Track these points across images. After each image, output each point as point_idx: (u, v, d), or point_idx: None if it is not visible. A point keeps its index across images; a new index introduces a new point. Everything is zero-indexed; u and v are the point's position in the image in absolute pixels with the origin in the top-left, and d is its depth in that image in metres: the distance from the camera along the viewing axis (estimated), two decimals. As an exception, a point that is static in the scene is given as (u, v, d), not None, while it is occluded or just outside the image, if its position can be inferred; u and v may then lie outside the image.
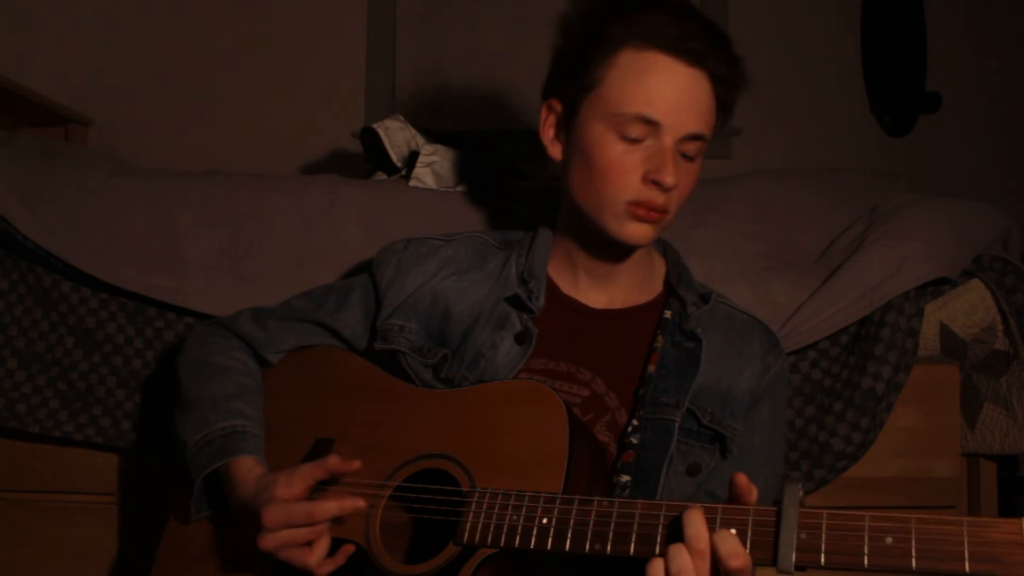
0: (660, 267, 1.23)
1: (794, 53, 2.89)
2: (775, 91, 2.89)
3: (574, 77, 1.09)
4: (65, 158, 1.60)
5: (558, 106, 1.13)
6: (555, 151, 1.16)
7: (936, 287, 1.40)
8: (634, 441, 1.07)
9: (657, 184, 1.05)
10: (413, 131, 1.75)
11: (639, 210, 1.07)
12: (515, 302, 1.15)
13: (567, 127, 1.12)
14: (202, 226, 1.50)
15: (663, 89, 1.04)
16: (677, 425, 1.08)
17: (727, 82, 1.09)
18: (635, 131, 1.05)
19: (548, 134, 1.16)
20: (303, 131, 2.81)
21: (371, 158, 1.79)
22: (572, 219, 1.16)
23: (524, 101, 2.60)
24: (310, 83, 2.86)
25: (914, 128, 2.82)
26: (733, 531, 0.82)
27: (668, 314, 1.17)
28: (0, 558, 1.49)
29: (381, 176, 1.77)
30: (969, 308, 1.41)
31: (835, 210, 1.55)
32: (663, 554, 0.83)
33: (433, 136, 1.77)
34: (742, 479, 0.85)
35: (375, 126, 1.74)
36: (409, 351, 1.16)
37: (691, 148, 1.08)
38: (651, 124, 1.04)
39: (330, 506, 0.98)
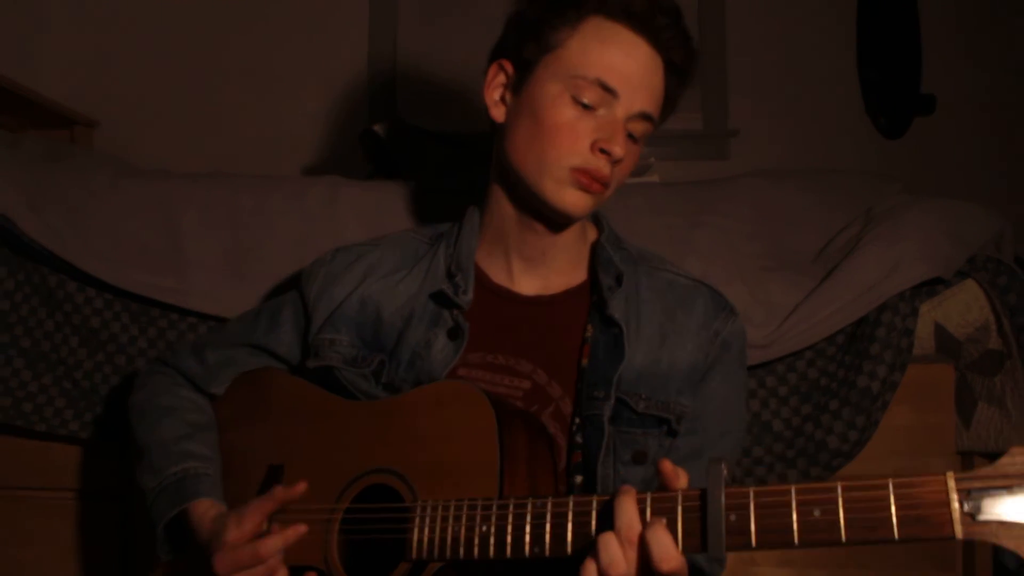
0: (589, 242, 1.19)
1: (790, 56, 2.90)
2: (772, 93, 2.91)
3: (535, 38, 1.07)
4: (70, 160, 1.62)
5: (509, 67, 1.11)
6: (497, 112, 1.12)
7: (931, 287, 1.41)
8: (579, 440, 1.05)
9: (606, 154, 1.04)
10: (415, 132, 1.76)
11: (583, 177, 1.04)
12: (440, 298, 1.12)
13: (516, 89, 1.09)
14: (205, 227, 1.51)
15: (624, 62, 1.04)
16: (606, 419, 1.05)
17: (680, 74, 1.09)
18: (591, 96, 1.03)
19: (493, 95, 1.12)
20: (305, 132, 2.82)
21: (372, 159, 1.80)
22: (505, 189, 1.12)
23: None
24: (312, 84, 2.86)
25: (909, 130, 2.83)
26: (664, 523, 0.79)
27: (595, 297, 1.13)
28: (6, 555, 1.50)
29: (382, 177, 1.78)
30: (963, 308, 1.42)
31: (831, 211, 1.56)
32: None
33: (433, 136, 1.78)
34: (666, 465, 0.83)
35: (376, 127, 1.75)
36: (342, 365, 1.12)
37: (638, 128, 1.07)
38: (608, 92, 1.03)
39: (275, 541, 0.97)
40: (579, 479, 1.04)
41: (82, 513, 1.50)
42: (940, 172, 2.73)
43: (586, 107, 1.04)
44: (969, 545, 1.42)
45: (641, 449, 1.08)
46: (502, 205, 1.13)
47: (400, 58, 2.93)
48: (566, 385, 1.09)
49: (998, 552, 1.59)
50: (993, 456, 1.43)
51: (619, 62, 1.04)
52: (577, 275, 1.16)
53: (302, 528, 0.99)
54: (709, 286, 1.17)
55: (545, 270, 1.15)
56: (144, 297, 1.48)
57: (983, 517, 0.69)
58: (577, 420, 1.06)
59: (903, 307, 1.38)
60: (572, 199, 1.06)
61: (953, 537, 0.70)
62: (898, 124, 2.81)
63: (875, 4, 2.86)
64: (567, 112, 1.04)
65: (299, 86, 2.86)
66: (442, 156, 1.67)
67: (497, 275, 1.15)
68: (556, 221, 1.11)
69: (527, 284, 1.15)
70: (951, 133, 2.80)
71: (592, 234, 1.19)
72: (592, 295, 1.13)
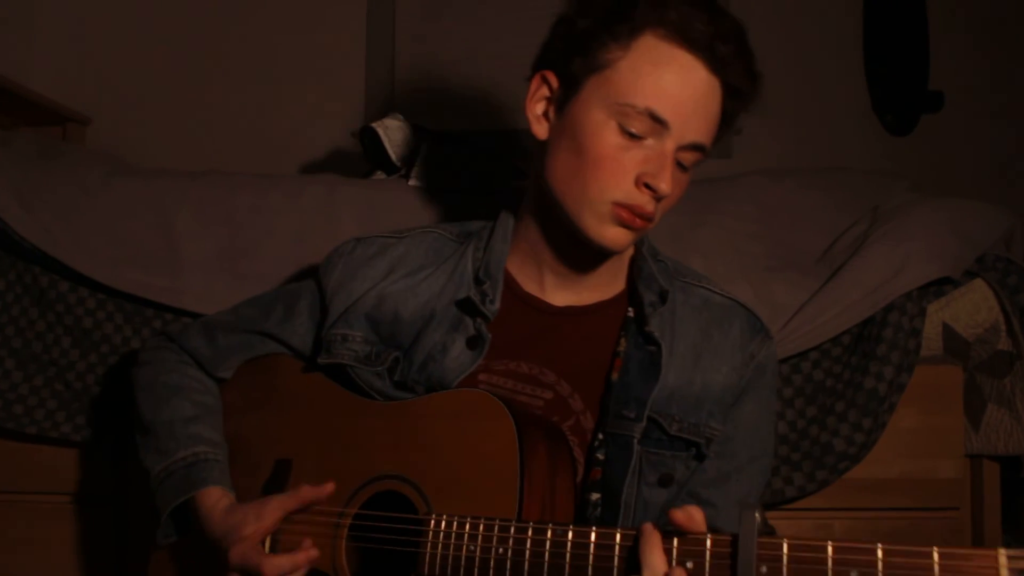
0: (627, 256, 1.15)
1: (795, 52, 2.88)
2: (776, 90, 2.88)
3: (583, 53, 0.99)
4: (63, 158, 1.60)
5: (554, 80, 1.03)
6: (540, 129, 1.05)
7: (939, 287, 1.40)
8: (600, 457, 1.02)
9: (651, 189, 0.98)
10: (412, 130, 1.74)
11: (625, 213, 0.99)
12: (466, 306, 1.08)
13: (560, 106, 1.02)
14: (200, 226, 1.50)
15: (679, 89, 0.96)
16: (636, 440, 1.01)
17: (741, 97, 1.01)
18: (639, 126, 0.96)
19: (535, 109, 1.05)
20: (302, 130, 2.81)
21: (370, 157, 1.79)
22: (542, 209, 1.07)
23: (524, 101, 2.60)
24: (309, 82, 2.85)
25: (916, 127, 2.81)
26: (690, 565, 0.77)
27: (632, 312, 1.09)
28: (-3, 560, 1.49)
29: (380, 175, 1.77)
30: (972, 308, 1.41)
31: (837, 210, 1.54)
32: None
33: (433, 136, 1.76)
34: (678, 516, 0.79)
35: (374, 125, 1.74)
36: (354, 363, 1.09)
37: (689, 158, 1.00)
38: (658, 123, 0.96)
39: (282, 561, 0.96)
40: (595, 496, 1.01)
41: (74, 517, 1.49)
42: (948, 170, 2.71)
43: (633, 136, 0.97)
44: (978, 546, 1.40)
45: (668, 472, 1.04)
46: (540, 222, 1.09)
47: (398, 55, 2.92)
48: (589, 399, 1.05)
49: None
50: (1003, 459, 1.42)
51: (673, 88, 0.96)
52: (611, 288, 1.12)
53: (314, 553, 0.98)
54: (746, 306, 1.13)
55: (579, 285, 1.11)
56: (138, 297, 1.47)
57: None
58: (600, 436, 1.03)
59: (910, 307, 1.36)
60: (612, 235, 1.01)
61: None
62: (905, 121, 2.79)
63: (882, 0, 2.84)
64: (612, 141, 0.97)
65: (296, 83, 2.84)
66: (440, 155, 1.65)
67: (527, 284, 1.11)
68: (595, 253, 1.06)
69: (559, 296, 1.11)
70: (959, 130, 2.78)
71: (630, 247, 1.14)
72: (628, 308, 1.09)
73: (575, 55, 1.00)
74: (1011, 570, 0.67)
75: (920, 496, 1.40)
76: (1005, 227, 1.47)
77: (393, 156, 1.72)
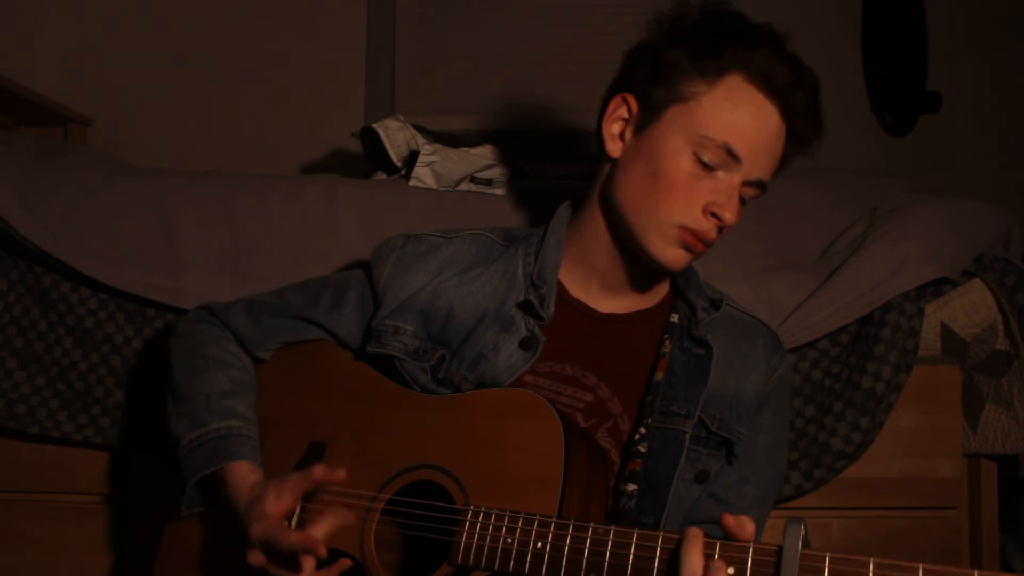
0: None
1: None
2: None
3: (668, 83, 1.05)
4: (64, 158, 1.60)
5: (634, 104, 1.09)
6: (614, 147, 1.10)
7: (937, 287, 1.40)
8: (641, 450, 1.05)
9: (717, 218, 1.04)
10: (413, 131, 1.75)
11: (689, 237, 1.05)
12: (526, 307, 1.11)
13: (638, 129, 1.08)
14: (202, 226, 1.50)
15: (754, 130, 1.03)
16: (688, 435, 1.06)
17: (800, 144, 1.08)
18: (714, 158, 1.03)
19: (611, 128, 1.11)
20: (303, 131, 2.81)
21: (371, 158, 1.79)
22: (605, 222, 1.12)
23: (524, 101, 2.60)
24: (310, 83, 2.85)
25: (915, 128, 2.81)
26: (731, 571, 0.79)
27: (676, 318, 1.14)
28: (0, 559, 1.48)
29: (381, 176, 1.77)
30: (970, 308, 1.41)
31: (835, 210, 1.55)
32: None
33: (433, 136, 1.77)
34: (729, 520, 0.82)
35: (375, 126, 1.74)
36: (403, 355, 1.12)
37: (749, 193, 1.07)
38: (732, 157, 1.03)
39: (294, 538, 0.96)
40: (631, 487, 1.03)
41: (76, 517, 1.49)
42: (946, 170, 2.71)
43: (707, 167, 1.03)
44: (976, 550, 1.41)
45: (705, 468, 1.09)
46: (598, 234, 1.13)
47: (398, 55, 2.92)
48: (627, 403, 1.09)
49: (1005, 556, 1.57)
50: (1001, 458, 1.43)
51: (749, 129, 1.03)
52: (652, 299, 1.17)
53: (322, 549, 0.96)
54: (765, 324, 1.21)
55: (624, 294, 1.16)
56: (139, 297, 1.47)
57: None
58: (641, 430, 1.06)
59: (908, 307, 1.37)
60: (674, 256, 1.07)
61: None
62: (904, 122, 2.80)
63: (881, 1, 2.84)
64: (687, 168, 1.04)
65: (296, 84, 2.85)
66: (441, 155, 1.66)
67: (575, 289, 1.15)
68: (651, 268, 1.11)
69: (603, 303, 1.15)
70: (957, 131, 2.78)
71: None
72: (671, 315, 1.15)
73: (660, 84, 1.06)
74: None
75: (918, 495, 1.41)
76: (1003, 227, 1.47)
77: (393, 156, 1.72)
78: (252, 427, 1.12)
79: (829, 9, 2.89)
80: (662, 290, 1.19)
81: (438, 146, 1.62)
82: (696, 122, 1.03)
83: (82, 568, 1.48)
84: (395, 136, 1.73)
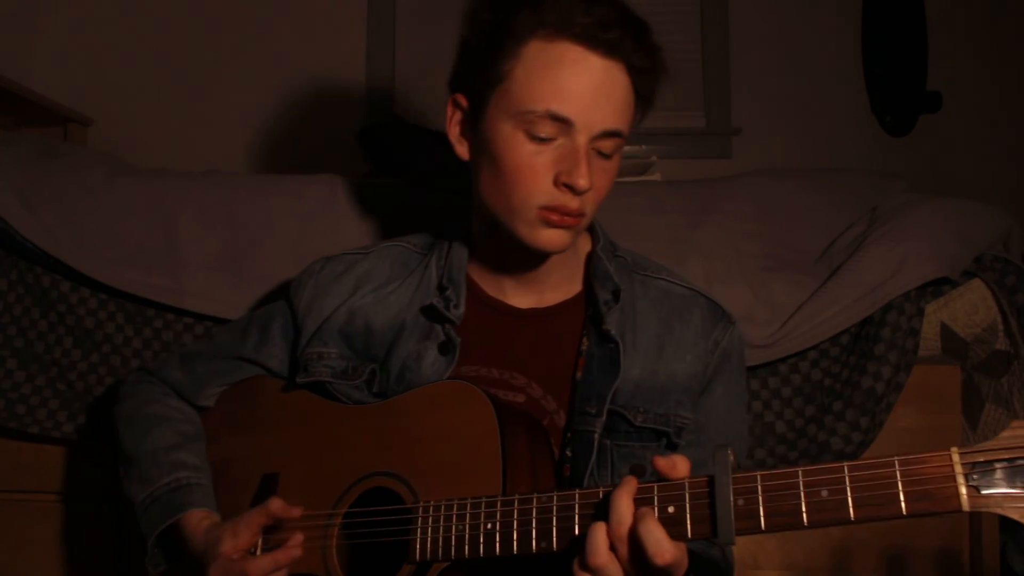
0: (583, 254, 1.15)
1: (794, 53, 2.89)
2: (775, 91, 2.90)
3: (479, 70, 1.00)
4: (64, 158, 1.60)
5: (463, 102, 1.05)
6: (462, 150, 1.07)
7: (937, 287, 1.40)
8: (568, 454, 1.04)
9: (570, 188, 0.98)
10: (413, 131, 1.75)
11: (552, 215, 0.99)
12: (431, 313, 1.09)
13: (474, 125, 1.04)
14: (202, 226, 1.50)
15: (575, 83, 0.96)
16: (596, 435, 1.03)
17: (646, 73, 1.00)
18: (545, 130, 0.97)
19: (454, 132, 1.07)
20: (302, 130, 2.81)
21: (371, 158, 1.79)
22: (486, 222, 1.08)
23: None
24: (310, 83, 2.86)
25: (915, 128, 2.82)
26: (654, 516, 0.80)
27: (589, 311, 1.10)
28: (-1, 559, 1.49)
29: (381, 176, 1.77)
30: (970, 308, 1.41)
31: (835, 210, 1.55)
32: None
33: (433, 136, 1.77)
34: (659, 461, 0.82)
35: (375, 125, 1.74)
36: (332, 379, 1.11)
37: (607, 145, 1.00)
38: (562, 122, 0.97)
39: (264, 562, 0.96)
40: None
41: (76, 516, 1.49)
42: (946, 170, 2.72)
43: (543, 140, 0.98)
44: (976, 551, 1.40)
45: (639, 463, 1.06)
46: (487, 230, 1.10)
47: (398, 56, 2.93)
48: (560, 399, 1.07)
49: (1005, 557, 1.57)
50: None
51: (570, 86, 0.96)
52: (572, 287, 1.13)
53: (296, 552, 0.98)
54: (706, 295, 1.15)
55: (538, 285, 1.12)
56: (139, 297, 1.47)
57: (988, 490, 0.70)
58: (568, 434, 1.05)
59: (908, 307, 1.37)
60: (547, 237, 1.02)
61: (960, 510, 0.71)
62: (904, 122, 2.80)
63: (881, 1, 2.84)
64: (523, 149, 0.98)
65: (297, 85, 2.85)
66: (440, 155, 1.66)
67: (490, 288, 1.13)
68: (542, 254, 1.07)
69: (521, 298, 1.12)
70: (957, 131, 2.79)
71: (586, 244, 1.16)
72: (587, 308, 1.11)
73: (474, 73, 1.02)
74: (964, 464, 0.71)
75: (918, 495, 1.41)
76: (1003, 227, 1.47)
77: (393, 156, 1.72)
78: (203, 475, 1.12)
79: (829, 9, 2.89)
80: (579, 280, 1.14)
81: (436, 147, 1.62)
82: (515, 100, 0.98)
83: (82, 568, 1.48)
84: (395, 136, 1.73)
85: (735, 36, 2.90)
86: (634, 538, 0.79)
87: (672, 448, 1.08)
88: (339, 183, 1.58)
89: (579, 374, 1.06)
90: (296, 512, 1.00)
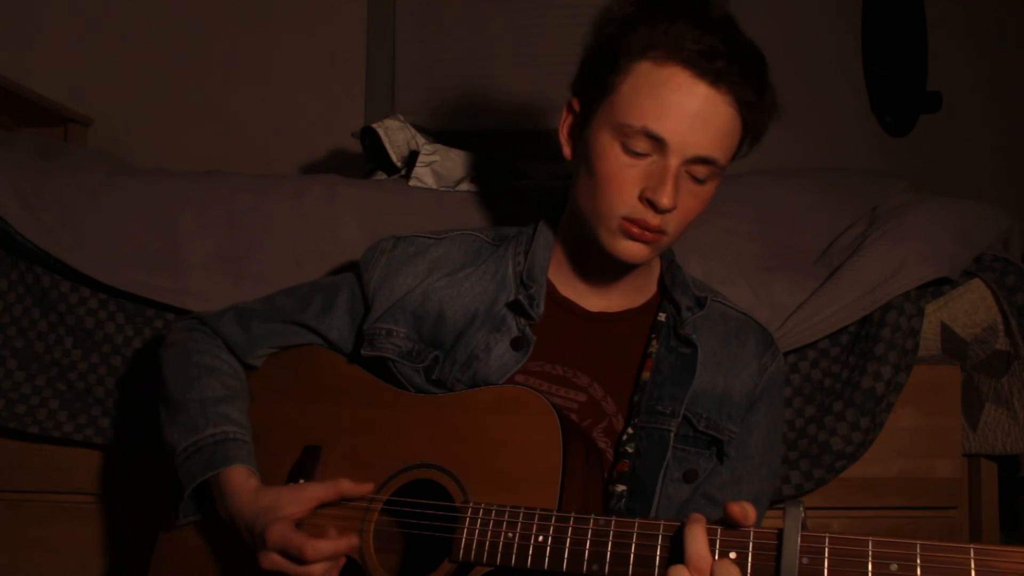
0: (656, 266, 1.20)
1: (794, 53, 2.88)
2: (775, 90, 2.89)
3: (594, 80, 1.05)
4: (64, 158, 1.60)
5: (577, 106, 1.10)
6: (568, 151, 1.12)
7: (936, 287, 1.40)
8: (629, 450, 1.05)
9: (652, 204, 1.01)
10: (413, 131, 1.75)
11: (632, 228, 1.03)
12: (516, 308, 1.12)
13: (581, 129, 1.08)
14: (202, 226, 1.50)
15: (675, 106, 0.99)
16: (672, 434, 1.06)
17: (752, 107, 1.02)
18: (640, 145, 1.01)
19: (564, 133, 1.12)
20: (303, 131, 2.81)
21: (371, 158, 1.79)
22: (575, 223, 1.13)
23: (523, 101, 2.60)
24: (310, 83, 2.86)
25: (915, 128, 2.81)
26: (733, 555, 0.80)
27: (663, 317, 1.14)
28: (0, 559, 1.49)
29: (381, 176, 1.77)
30: (970, 308, 1.41)
31: (835, 210, 1.55)
32: None
33: (433, 136, 1.77)
34: (734, 509, 0.82)
35: (375, 126, 1.74)
36: (398, 357, 1.12)
37: (701, 171, 1.03)
38: (656, 140, 1.00)
39: (324, 546, 0.97)
40: (620, 488, 1.03)
41: (75, 517, 1.49)
42: (946, 170, 2.72)
43: (637, 155, 1.01)
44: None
45: (693, 468, 1.09)
46: (577, 233, 1.13)
47: (398, 55, 2.92)
48: (620, 402, 1.09)
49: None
50: (1001, 458, 1.43)
51: (671, 108, 0.99)
52: (640, 297, 1.17)
53: (355, 541, 0.99)
54: (757, 320, 1.20)
55: (611, 293, 1.15)
56: (140, 297, 1.47)
57: None
58: (629, 430, 1.06)
59: (908, 307, 1.37)
60: (625, 248, 1.05)
61: None
62: (904, 122, 2.80)
63: (881, 1, 2.84)
64: (617, 161, 1.02)
65: (297, 84, 2.85)
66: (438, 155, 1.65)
67: (564, 288, 1.15)
68: (620, 263, 1.09)
69: (592, 301, 1.15)
70: (957, 131, 2.79)
71: (657, 263, 1.20)
72: (658, 314, 1.14)
73: (589, 82, 1.06)
74: None
75: (918, 495, 1.41)
76: (1003, 227, 1.47)
77: (393, 156, 1.72)
78: (247, 432, 1.12)
79: (829, 9, 2.89)
80: (650, 288, 1.18)
81: (438, 146, 1.62)
82: (617, 112, 1.02)
83: (82, 568, 1.48)
84: (395, 136, 1.73)
85: (735, 36, 2.89)
86: None
87: (721, 459, 1.11)
88: (339, 183, 1.58)
89: (647, 374, 1.09)
90: (367, 489, 1.01)
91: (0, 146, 1.59)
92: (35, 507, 1.49)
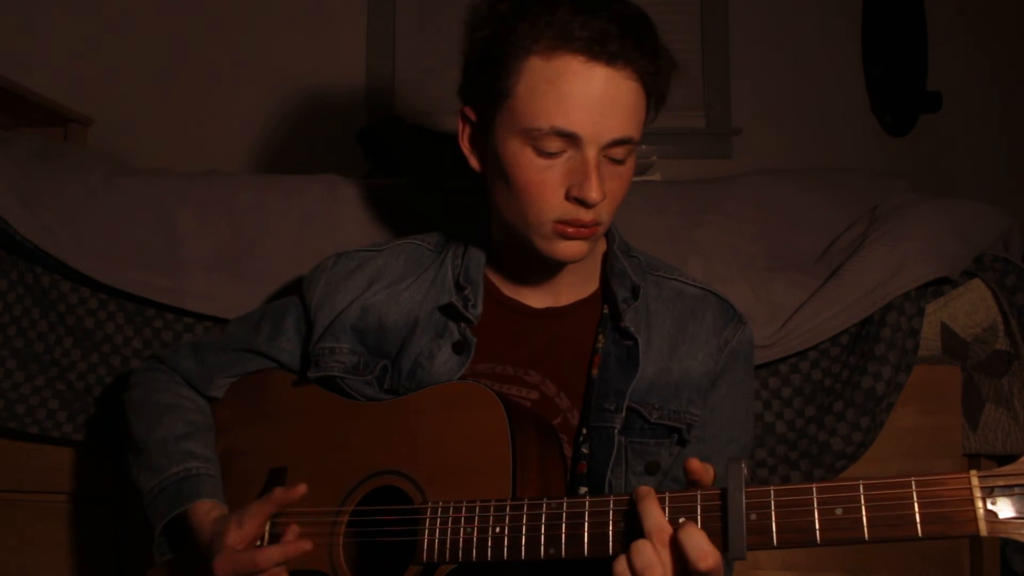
0: (600, 250, 1.16)
1: (794, 53, 2.89)
2: (775, 91, 2.90)
3: (483, 86, 1.00)
4: (64, 158, 1.60)
5: (472, 115, 1.04)
6: (474, 161, 1.07)
7: (937, 287, 1.40)
8: (585, 451, 1.04)
9: (580, 201, 0.97)
10: (413, 131, 1.75)
11: (567, 229, 0.99)
12: (450, 312, 1.10)
13: (483, 139, 1.04)
14: (202, 226, 1.50)
15: (578, 96, 0.94)
16: (616, 431, 1.04)
17: (654, 76, 0.98)
18: (552, 145, 0.96)
19: (465, 144, 1.07)
20: (302, 130, 2.81)
21: (371, 158, 1.79)
22: (504, 231, 1.09)
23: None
24: (310, 83, 2.86)
25: (915, 128, 2.82)
26: (682, 520, 0.79)
27: (607, 309, 1.11)
28: (-1, 558, 1.49)
29: (380, 176, 1.77)
30: (970, 308, 1.41)
31: (835, 210, 1.55)
32: (620, 551, 0.81)
33: (433, 136, 1.77)
34: (694, 464, 0.82)
35: (374, 125, 1.74)
36: (344, 374, 1.11)
37: (619, 152, 0.99)
38: (568, 137, 0.95)
39: (273, 553, 0.97)
40: (583, 490, 1.03)
41: (76, 516, 1.49)
42: (946, 170, 2.72)
43: (552, 155, 0.97)
44: (976, 550, 1.41)
45: (654, 459, 1.07)
46: (506, 238, 1.10)
47: (398, 56, 2.92)
48: (574, 397, 1.08)
49: (1005, 556, 1.57)
50: (1001, 458, 1.43)
51: (574, 100, 0.94)
52: (587, 287, 1.14)
53: (306, 544, 0.99)
54: (717, 294, 1.15)
55: (554, 287, 1.12)
56: (139, 297, 1.47)
57: (1006, 515, 0.69)
58: (584, 431, 1.05)
59: (908, 307, 1.37)
60: (565, 249, 1.02)
61: (977, 534, 0.70)
62: (904, 122, 2.80)
63: (881, 1, 2.84)
64: (533, 165, 0.98)
65: (297, 84, 2.85)
66: (440, 155, 1.66)
67: (506, 288, 1.13)
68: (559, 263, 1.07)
69: (536, 298, 1.12)
70: (957, 131, 2.79)
71: (602, 244, 1.16)
72: (603, 306, 1.12)
73: (478, 88, 1.01)
74: (983, 488, 0.70)
75: (918, 495, 1.41)
76: (1003, 227, 1.47)
77: (393, 156, 1.72)
78: (212, 466, 1.12)
79: (829, 9, 2.89)
80: (596, 275, 1.14)
81: (437, 145, 1.62)
82: (519, 117, 0.97)
83: (82, 568, 1.48)
84: (394, 136, 1.73)
85: (735, 36, 2.90)
86: (675, 545, 0.79)
87: (683, 444, 1.08)
88: (339, 183, 1.57)
89: (595, 371, 1.06)
90: (300, 489, 1.01)
91: (0, 146, 1.59)
92: (34, 507, 1.49)
